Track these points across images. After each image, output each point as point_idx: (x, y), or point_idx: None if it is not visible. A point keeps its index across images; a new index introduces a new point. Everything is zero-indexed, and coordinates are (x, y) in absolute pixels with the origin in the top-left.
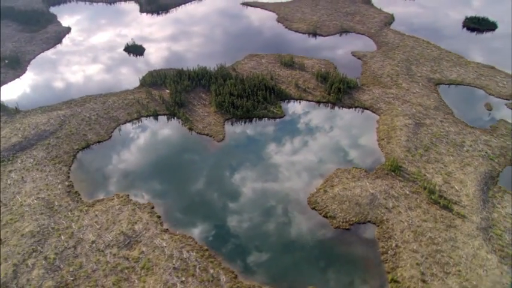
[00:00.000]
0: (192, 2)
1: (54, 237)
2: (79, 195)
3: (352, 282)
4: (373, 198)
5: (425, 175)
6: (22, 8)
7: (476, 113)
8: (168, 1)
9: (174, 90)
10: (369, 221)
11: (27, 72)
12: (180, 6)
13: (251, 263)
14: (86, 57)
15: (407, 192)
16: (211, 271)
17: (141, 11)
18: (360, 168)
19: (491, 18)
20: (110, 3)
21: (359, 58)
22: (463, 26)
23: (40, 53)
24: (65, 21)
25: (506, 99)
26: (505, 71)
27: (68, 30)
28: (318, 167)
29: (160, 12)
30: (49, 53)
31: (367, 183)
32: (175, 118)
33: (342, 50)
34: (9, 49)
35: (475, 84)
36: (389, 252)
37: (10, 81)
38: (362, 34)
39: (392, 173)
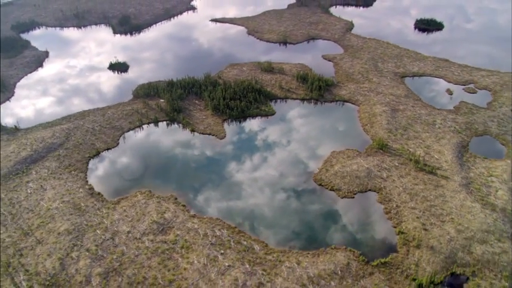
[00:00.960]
0: (162, 21)
1: (90, 232)
2: (102, 195)
3: (367, 237)
4: (369, 171)
5: (408, 149)
6: None
7: (440, 97)
8: (140, 21)
9: (169, 98)
10: (369, 190)
11: (15, 94)
12: (152, 26)
13: (277, 232)
14: (72, 76)
15: (397, 164)
16: (245, 243)
17: (115, 32)
18: (353, 149)
19: (438, 19)
20: (81, 27)
21: (330, 60)
22: (415, 28)
23: (23, 76)
24: (40, 46)
25: (463, 85)
26: (458, 63)
27: (46, 54)
28: (315, 151)
29: (133, 32)
30: (33, 75)
31: (362, 160)
32: (175, 123)
33: (313, 55)
34: None
35: (435, 74)
36: (392, 211)
37: (2, 103)
38: (328, 40)
39: (381, 151)
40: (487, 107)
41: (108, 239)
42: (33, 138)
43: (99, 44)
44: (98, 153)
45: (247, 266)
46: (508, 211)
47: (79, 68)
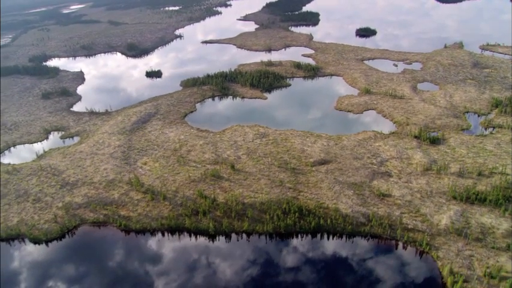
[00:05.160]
0: (161, 46)
1: (219, 143)
2: (208, 130)
3: (379, 126)
4: (366, 102)
5: (383, 91)
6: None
7: (391, 68)
8: (146, 46)
9: (215, 82)
10: (370, 109)
11: (81, 97)
12: (155, 50)
13: (329, 129)
14: (119, 82)
15: (379, 98)
16: (315, 134)
17: (127, 56)
18: (350, 94)
19: (372, 27)
20: (91, 56)
21: (308, 57)
22: (356, 34)
23: (77, 86)
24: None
25: (403, 61)
26: (394, 50)
27: (82, 73)
28: (327, 98)
29: (143, 55)
30: (85, 85)
31: (359, 98)
32: (227, 97)
33: (295, 55)
34: (48, 86)
35: (382, 57)
36: (387, 115)
37: (76, 102)
38: (300, 46)
39: (367, 94)
40: (421, 69)
41: (232, 144)
42: (133, 111)
43: (120, 64)
44: (185, 115)
45: (325, 140)
46: (448, 107)
47: (120, 77)
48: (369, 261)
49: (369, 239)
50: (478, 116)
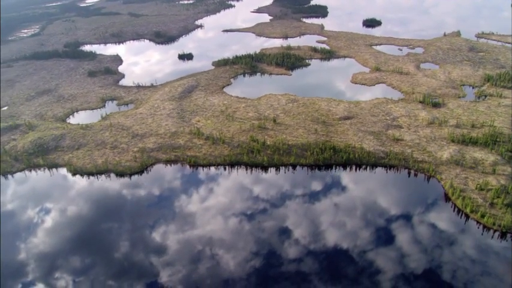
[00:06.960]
0: (186, 34)
1: (258, 106)
2: (246, 98)
3: (389, 94)
4: (377, 77)
5: (391, 69)
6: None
7: (396, 52)
8: (172, 34)
9: (245, 62)
10: (381, 82)
11: (124, 74)
12: (181, 37)
13: (349, 98)
14: (155, 63)
15: (388, 74)
16: (336, 100)
17: (156, 42)
18: (363, 71)
19: (378, 18)
20: (121, 43)
21: (322, 43)
22: (363, 25)
23: (117, 66)
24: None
25: (406, 46)
26: (398, 38)
27: (118, 56)
28: (344, 74)
29: (170, 41)
30: (124, 65)
31: (371, 74)
32: (256, 73)
33: (310, 41)
34: (91, 67)
35: (388, 43)
36: (396, 87)
37: (120, 79)
38: (313, 34)
39: (377, 71)
40: (423, 53)
41: (269, 107)
42: (177, 84)
43: (151, 49)
44: (223, 87)
45: (346, 104)
46: (446, 80)
47: (154, 59)
48: (390, 183)
49: (388, 168)
50: (473, 87)
